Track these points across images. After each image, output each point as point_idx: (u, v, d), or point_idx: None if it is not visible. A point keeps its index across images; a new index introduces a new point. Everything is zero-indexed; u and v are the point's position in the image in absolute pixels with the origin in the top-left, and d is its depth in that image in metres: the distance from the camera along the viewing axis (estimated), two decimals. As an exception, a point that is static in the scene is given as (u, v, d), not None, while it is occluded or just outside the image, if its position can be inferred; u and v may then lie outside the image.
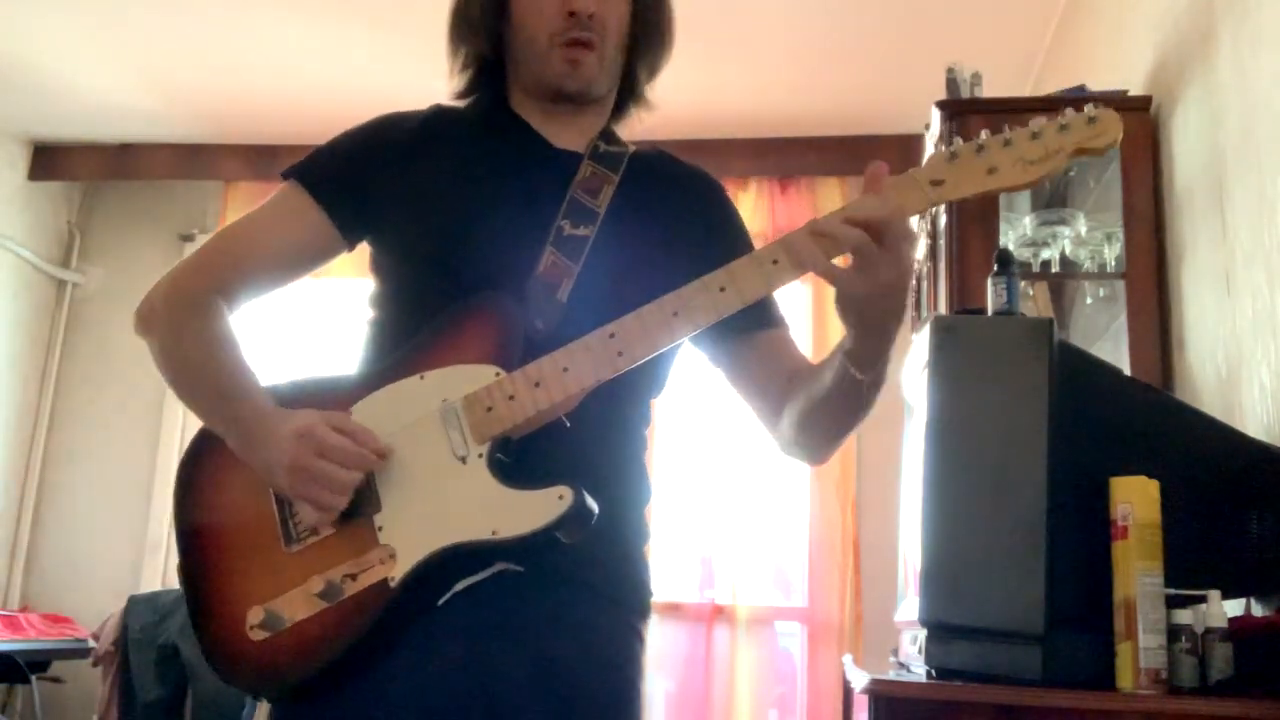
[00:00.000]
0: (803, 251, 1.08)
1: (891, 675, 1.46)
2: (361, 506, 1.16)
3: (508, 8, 1.33)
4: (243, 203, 4.44)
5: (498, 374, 1.16)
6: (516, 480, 1.13)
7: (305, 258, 1.34)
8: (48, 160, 4.59)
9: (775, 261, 1.10)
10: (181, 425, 4.45)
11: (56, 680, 3.99)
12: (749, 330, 1.32)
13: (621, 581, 1.27)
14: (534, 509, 1.10)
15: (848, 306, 1.09)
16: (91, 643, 3.73)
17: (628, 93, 1.40)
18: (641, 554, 1.30)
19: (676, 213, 1.35)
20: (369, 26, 3.57)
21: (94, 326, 4.63)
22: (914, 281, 2.98)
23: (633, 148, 1.40)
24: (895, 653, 1.80)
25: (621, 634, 1.25)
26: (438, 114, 1.37)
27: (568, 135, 1.35)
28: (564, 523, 1.10)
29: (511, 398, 1.14)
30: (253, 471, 1.21)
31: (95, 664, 3.63)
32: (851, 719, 1.84)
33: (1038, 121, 1.08)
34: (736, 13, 3.40)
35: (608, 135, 1.39)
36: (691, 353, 1.37)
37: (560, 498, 1.10)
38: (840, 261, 1.08)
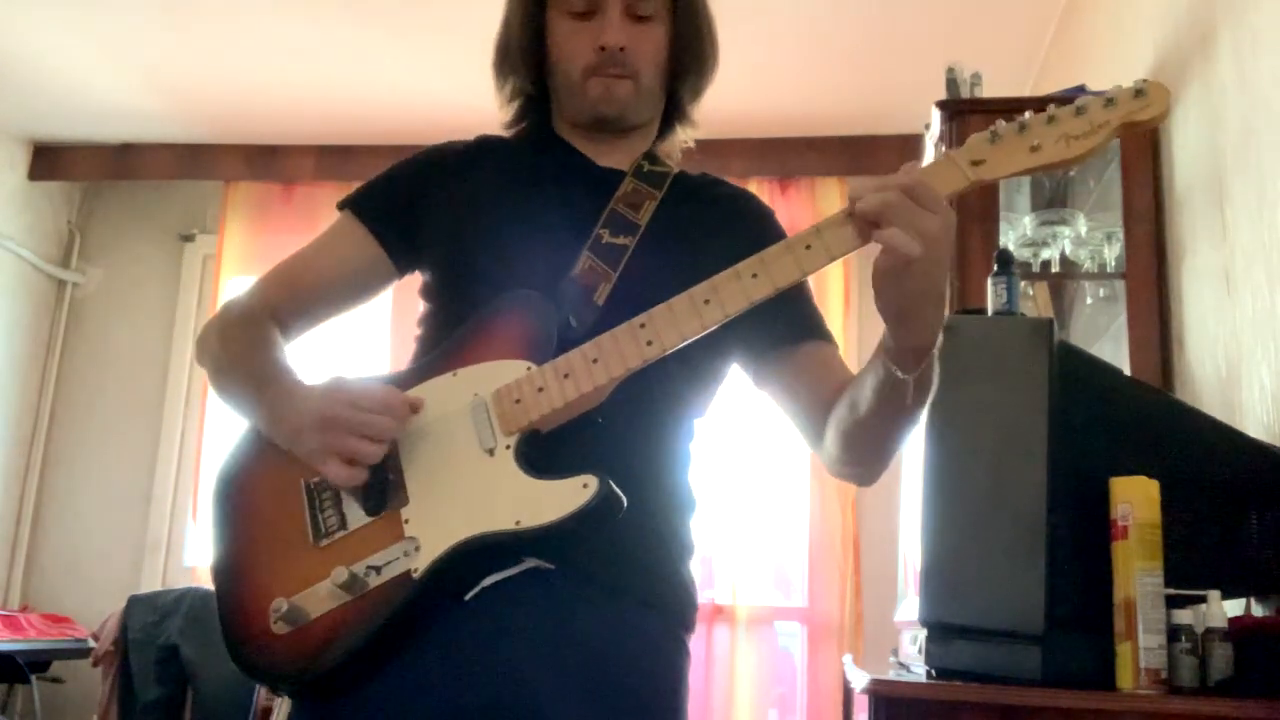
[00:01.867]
0: (832, 231, 1.07)
1: (891, 675, 1.46)
2: (389, 499, 1.16)
3: (545, 42, 1.34)
4: (242, 203, 4.44)
5: (529, 368, 1.16)
6: (544, 472, 1.13)
7: (357, 284, 1.37)
8: (48, 160, 4.59)
9: (808, 246, 1.09)
10: (181, 425, 4.46)
11: (56, 680, 3.99)
12: (791, 342, 1.31)
13: (658, 586, 1.25)
14: (558, 498, 1.10)
15: (881, 290, 1.05)
16: (91, 643, 3.73)
17: (672, 115, 1.41)
18: (681, 562, 1.29)
19: (719, 231, 1.35)
20: (369, 27, 3.57)
21: (94, 326, 4.63)
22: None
23: (677, 168, 1.40)
24: (895, 653, 1.80)
25: (658, 638, 1.23)
26: (483, 142, 1.41)
27: (612, 157, 1.37)
28: (589, 512, 1.09)
29: (541, 389, 1.15)
30: (285, 470, 1.21)
31: (95, 664, 3.63)
32: (851, 719, 1.84)
33: (1083, 98, 1.06)
34: (736, 13, 3.40)
35: (652, 156, 1.39)
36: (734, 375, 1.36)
37: (585, 486, 1.09)
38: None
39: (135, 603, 3.62)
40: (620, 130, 1.36)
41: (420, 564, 1.12)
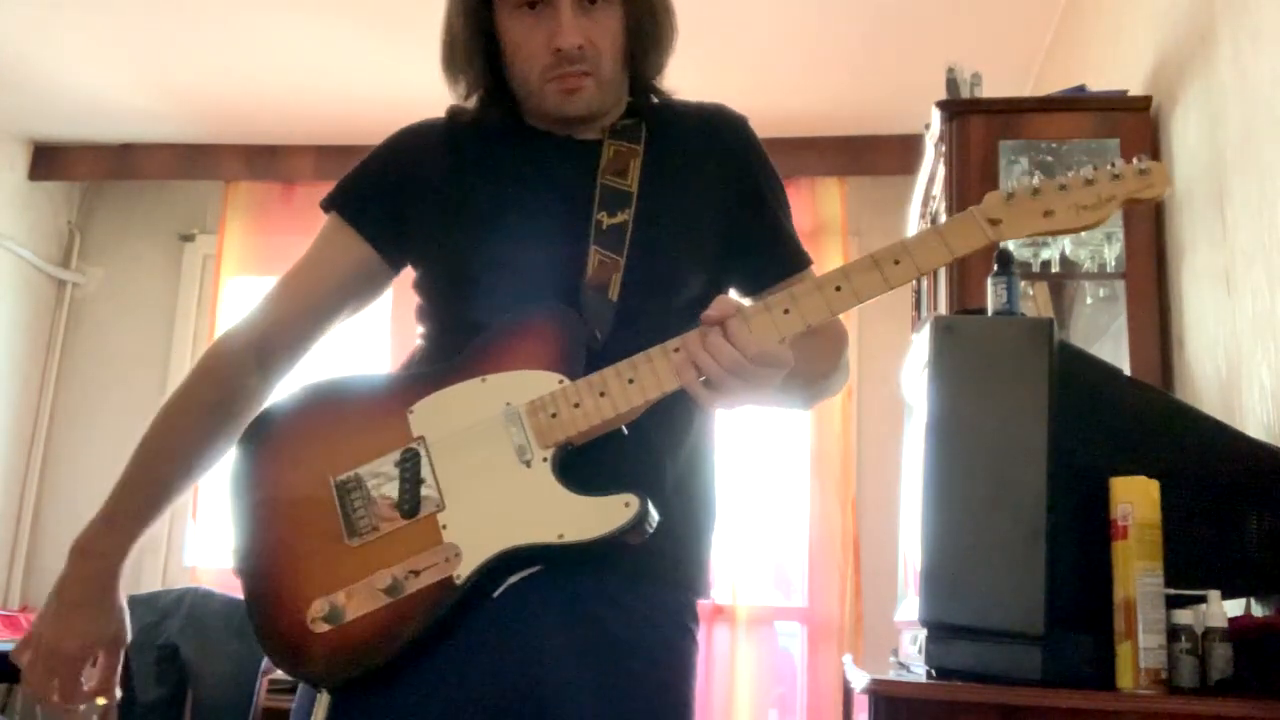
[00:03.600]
0: (860, 276, 1.15)
1: (891, 675, 1.46)
2: (423, 503, 1.17)
3: (494, 38, 1.31)
4: (243, 203, 4.44)
5: (561, 381, 1.17)
6: (578, 485, 1.15)
7: (360, 288, 1.38)
8: (48, 160, 4.59)
9: (838, 288, 1.14)
10: (181, 425, 4.45)
11: (56, 680, 3.98)
12: (783, 277, 1.34)
13: (673, 580, 1.28)
14: (600, 515, 1.12)
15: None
16: (91, 643, 3.73)
17: (640, 88, 1.39)
18: (697, 558, 1.31)
19: (702, 166, 1.35)
20: (369, 26, 3.57)
21: (94, 326, 4.63)
22: (914, 281, 2.98)
23: (646, 107, 1.39)
24: (895, 653, 1.80)
25: (674, 628, 1.26)
26: (456, 122, 1.37)
27: (587, 133, 1.35)
28: (628, 530, 1.12)
29: (577, 405, 1.16)
30: (308, 465, 1.22)
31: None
32: (851, 719, 1.84)
33: (1089, 169, 1.13)
34: (737, 13, 3.40)
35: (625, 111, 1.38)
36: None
37: (627, 505, 1.12)
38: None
39: (135, 603, 3.61)
40: (587, 122, 1.35)
41: (463, 571, 1.14)
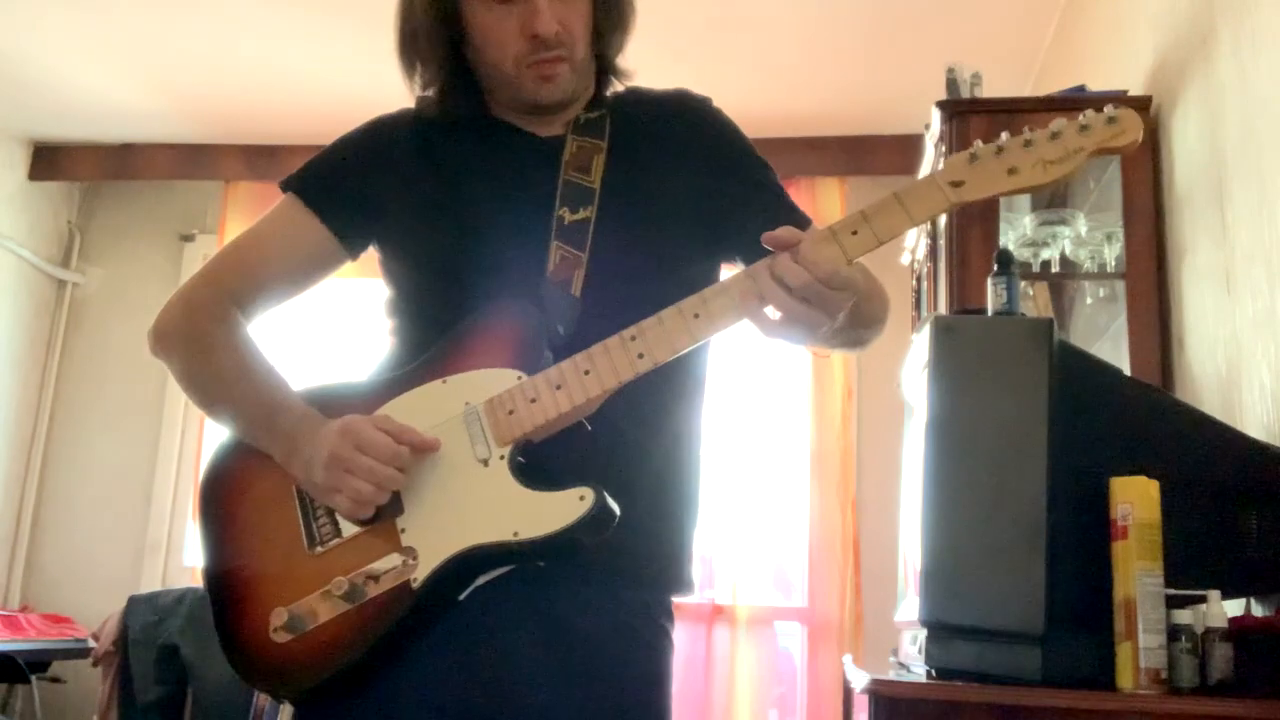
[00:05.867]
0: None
1: (891, 675, 1.46)
2: (384, 509, 1.17)
3: (462, 31, 1.29)
4: (243, 203, 4.44)
5: (519, 377, 1.17)
6: (538, 482, 1.14)
7: (310, 270, 1.36)
8: (48, 160, 4.59)
9: None
10: (181, 425, 4.45)
11: (56, 680, 3.99)
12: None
13: (647, 579, 1.27)
14: (555, 510, 1.11)
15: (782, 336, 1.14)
16: (91, 643, 3.73)
17: (602, 74, 1.38)
18: (674, 555, 1.30)
19: (670, 155, 1.34)
20: (369, 27, 3.56)
21: (94, 326, 4.63)
22: (914, 281, 2.98)
23: (611, 98, 1.38)
24: (895, 653, 1.80)
25: (648, 628, 1.26)
26: (424, 115, 1.37)
27: (553, 127, 1.35)
28: (585, 524, 1.10)
29: (533, 400, 1.15)
30: (276, 476, 1.21)
31: (95, 664, 3.63)
32: (851, 719, 1.84)
33: (1058, 122, 1.09)
34: (737, 13, 3.40)
35: (586, 104, 1.37)
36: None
37: (581, 499, 1.10)
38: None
39: (135, 603, 3.62)
40: (561, 108, 1.34)
41: (419, 574, 1.13)
